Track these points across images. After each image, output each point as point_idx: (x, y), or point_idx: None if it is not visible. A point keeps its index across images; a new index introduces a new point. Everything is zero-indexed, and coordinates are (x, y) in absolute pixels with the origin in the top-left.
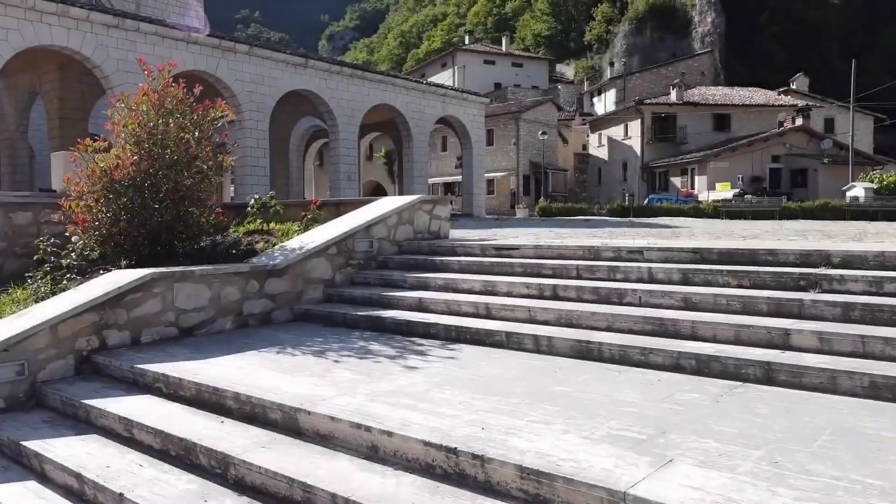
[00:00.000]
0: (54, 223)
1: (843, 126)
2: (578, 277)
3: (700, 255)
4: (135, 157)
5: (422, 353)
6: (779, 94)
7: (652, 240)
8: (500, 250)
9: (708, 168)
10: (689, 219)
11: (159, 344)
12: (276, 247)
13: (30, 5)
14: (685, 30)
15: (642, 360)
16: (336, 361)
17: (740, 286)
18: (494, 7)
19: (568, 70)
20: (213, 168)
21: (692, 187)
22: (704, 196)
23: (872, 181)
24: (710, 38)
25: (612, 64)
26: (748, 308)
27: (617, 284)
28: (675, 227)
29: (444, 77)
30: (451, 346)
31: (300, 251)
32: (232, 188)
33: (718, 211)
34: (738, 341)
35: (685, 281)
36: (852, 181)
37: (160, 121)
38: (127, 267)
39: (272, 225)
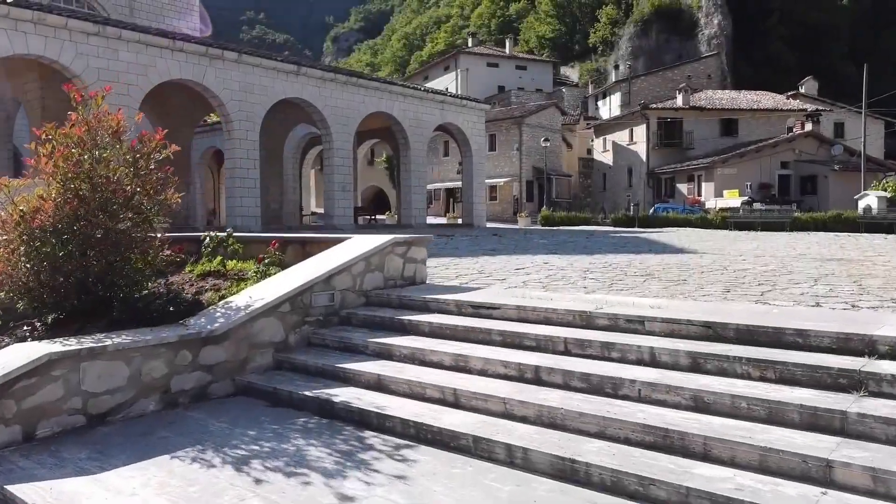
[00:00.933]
0: None
1: (853, 131)
2: (566, 353)
3: (713, 332)
4: (58, 199)
5: (367, 466)
6: (787, 98)
7: (654, 292)
8: (479, 308)
9: (715, 174)
10: (696, 230)
11: (58, 439)
12: (221, 303)
13: (3, 13)
14: (691, 32)
15: (640, 491)
16: (257, 482)
17: (763, 378)
18: (498, 9)
19: (572, 73)
20: (155, 209)
21: (699, 194)
22: (712, 203)
23: (885, 189)
24: (716, 40)
25: (616, 66)
26: (775, 416)
27: (612, 368)
28: (682, 249)
29: (447, 80)
30: (406, 454)
31: (245, 311)
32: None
33: (727, 222)
34: (763, 469)
35: (695, 367)
36: (864, 189)
37: (87, 156)
38: (51, 324)
39: (231, 263)
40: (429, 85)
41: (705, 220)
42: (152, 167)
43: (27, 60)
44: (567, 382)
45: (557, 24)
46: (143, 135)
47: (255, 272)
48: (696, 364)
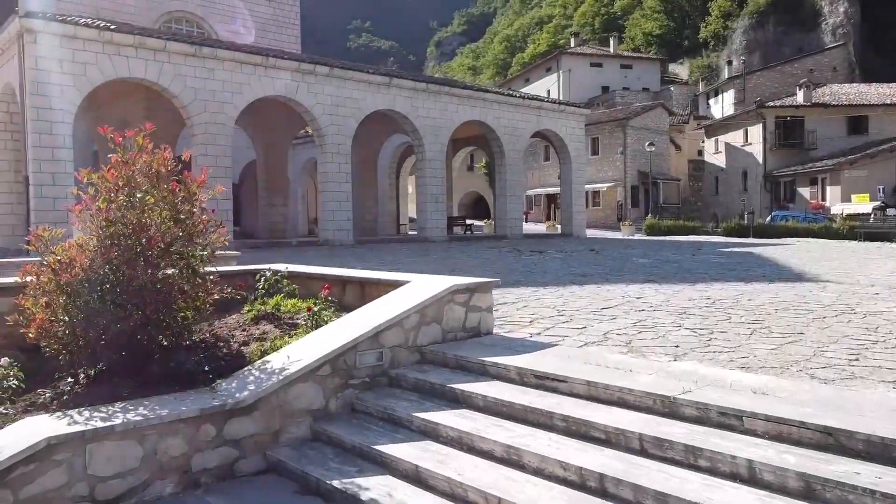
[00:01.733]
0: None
1: None
2: (642, 452)
3: (835, 441)
4: (94, 249)
5: None
6: None
7: (760, 357)
8: (543, 380)
9: (842, 177)
10: (819, 242)
11: None
12: (258, 363)
13: (107, 39)
14: (813, 22)
15: None
16: None
17: None
18: (602, 7)
19: (681, 70)
20: (199, 255)
21: (823, 199)
22: (838, 209)
23: None
24: (842, 29)
25: (730, 62)
26: None
27: (697, 485)
28: (801, 274)
29: (549, 82)
30: None
31: (280, 376)
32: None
33: (855, 231)
34: None
35: (809, 494)
36: None
37: (126, 200)
38: (93, 376)
39: (289, 303)
40: (530, 87)
41: (830, 230)
42: (195, 210)
43: (131, 82)
44: (639, 501)
45: (665, 19)
46: (186, 175)
47: (306, 320)
48: (811, 490)
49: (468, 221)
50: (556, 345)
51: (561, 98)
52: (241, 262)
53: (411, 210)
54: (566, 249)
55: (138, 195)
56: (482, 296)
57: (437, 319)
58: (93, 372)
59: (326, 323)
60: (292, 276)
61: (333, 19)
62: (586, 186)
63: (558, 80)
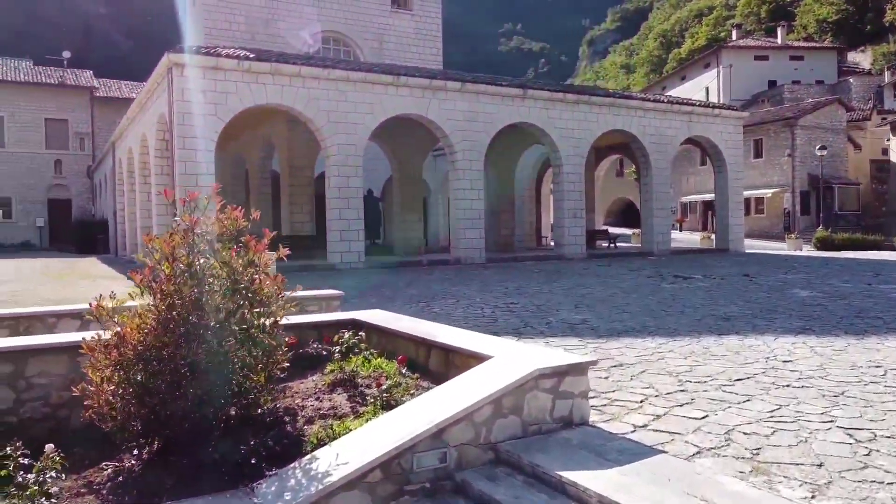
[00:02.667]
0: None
1: None
2: None
3: None
4: (147, 322)
5: None
6: None
7: None
8: None
9: None
10: None
11: None
12: (304, 461)
13: (245, 68)
14: None
15: None
16: None
17: None
18: None
19: (863, 59)
20: (264, 325)
21: None
22: None
23: None
24: None
25: None
26: None
27: None
28: None
29: (707, 78)
30: None
31: (319, 484)
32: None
33: None
34: None
35: None
36: None
37: (183, 271)
38: (146, 455)
39: (372, 364)
40: (686, 85)
41: None
42: (257, 277)
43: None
44: None
45: (843, 3)
46: (248, 241)
47: (376, 397)
48: None
49: (613, 231)
50: (659, 451)
51: (721, 96)
52: (345, 302)
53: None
54: (716, 273)
55: (197, 265)
56: (575, 379)
57: (516, 410)
58: (155, 446)
59: (397, 404)
60: (378, 331)
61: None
62: (748, 192)
63: (718, 76)
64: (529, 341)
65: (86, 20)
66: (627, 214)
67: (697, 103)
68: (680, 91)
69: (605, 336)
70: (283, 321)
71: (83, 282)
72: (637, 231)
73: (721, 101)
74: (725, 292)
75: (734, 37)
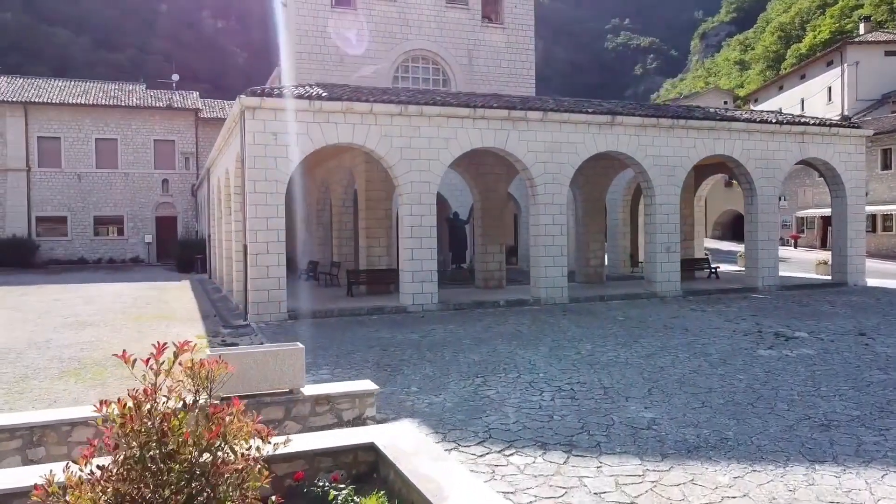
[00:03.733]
0: None
1: None
2: None
3: None
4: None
5: None
6: None
7: None
8: None
9: None
10: None
11: None
12: None
13: (316, 108)
14: None
15: None
16: None
17: None
18: None
19: None
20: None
21: None
22: None
23: None
24: None
25: None
26: None
27: None
28: None
29: (829, 77)
30: None
31: None
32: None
33: None
34: None
35: None
36: None
37: (136, 456)
38: None
39: None
40: (805, 85)
41: None
42: (222, 454)
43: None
44: None
45: None
46: (214, 411)
47: None
48: None
49: (718, 247)
50: None
51: (845, 98)
52: (391, 384)
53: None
54: (827, 328)
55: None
56: None
57: None
58: None
59: None
60: (393, 468)
61: (590, 19)
62: (872, 208)
63: (841, 74)
64: (580, 464)
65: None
66: (738, 227)
67: (812, 121)
68: (800, 91)
69: (672, 455)
70: (287, 449)
71: (159, 326)
72: (742, 254)
73: (845, 103)
74: (832, 368)
75: (862, 30)
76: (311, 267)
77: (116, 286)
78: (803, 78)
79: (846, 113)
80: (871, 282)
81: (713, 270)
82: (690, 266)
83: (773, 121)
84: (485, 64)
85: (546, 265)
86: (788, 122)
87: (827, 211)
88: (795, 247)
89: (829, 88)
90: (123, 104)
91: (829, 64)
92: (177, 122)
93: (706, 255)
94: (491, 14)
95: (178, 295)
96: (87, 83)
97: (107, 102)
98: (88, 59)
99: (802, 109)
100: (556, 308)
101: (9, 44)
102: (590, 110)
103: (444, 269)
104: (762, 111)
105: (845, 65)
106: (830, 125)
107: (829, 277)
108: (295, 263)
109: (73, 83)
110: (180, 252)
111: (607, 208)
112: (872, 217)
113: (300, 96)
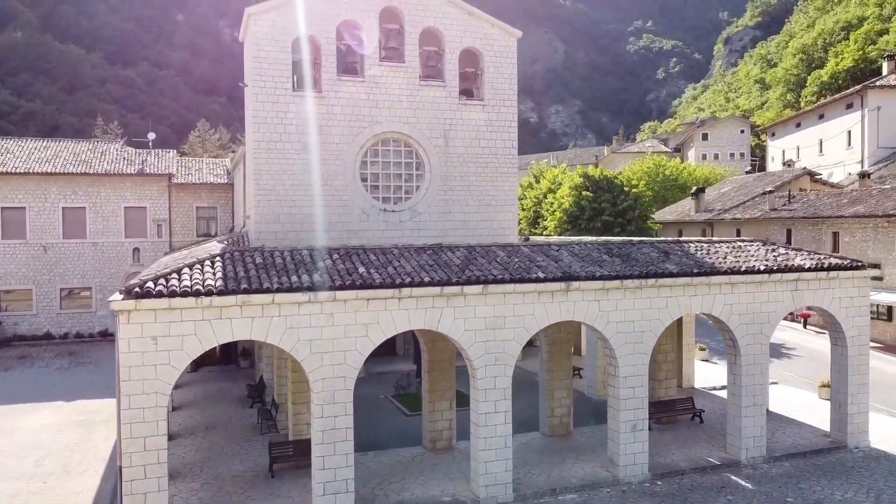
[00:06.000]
0: None
1: None
2: None
3: None
4: None
5: None
6: None
7: None
8: None
9: None
10: None
11: None
12: None
13: (206, 304)
14: None
15: None
16: None
17: None
18: None
19: None
20: None
21: None
22: None
23: None
24: None
25: None
26: None
27: None
28: None
29: (850, 121)
30: None
31: None
32: None
33: None
34: None
35: None
36: None
37: None
38: None
39: None
40: (823, 125)
41: None
42: None
43: None
44: None
45: None
46: None
47: None
48: None
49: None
50: None
51: (866, 143)
52: None
53: None
54: None
55: None
56: None
57: None
58: None
59: None
60: None
61: (612, 21)
62: (890, 297)
63: (861, 119)
64: None
65: (222, 43)
66: None
67: (806, 266)
68: (818, 131)
69: None
70: None
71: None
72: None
73: (865, 149)
74: None
75: (884, 70)
76: None
77: (41, 417)
78: (822, 118)
79: (866, 160)
80: (877, 432)
81: (697, 414)
82: (671, 409)
83: (762, 268)
84: (462, 144)
85: (486, 460)
86: (779, 270)
87: None
88: (805, 326)
89: (849, 133)
90: (92, 171)
91: (849, 107)
92: (149, 188)
93: (689, 396)
94: (471, 88)
95: (104, 442)
96: (59, 143)
97: (75, 170)
98: (99, 76)
99: (821, 152)
100: None
101: (18, 63)
102: (541, 276)
103: (409, 384)
104: (748, 252)
105: (866, 110)
106: (830, 268)
107: (829, 433)
108: None
109: (43, 143)
110: None
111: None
112: (888, 310)
113: (186, 293)
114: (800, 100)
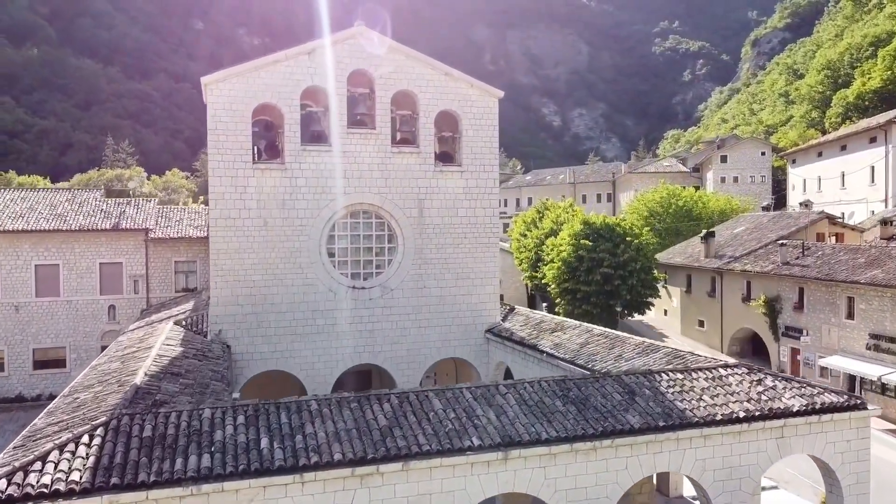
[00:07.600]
0: None
1: None
2: None
3: None
4: None
5: None
6: None
7: None
8: None
9: None
10: None
11: None
12: None
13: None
14: None
15: None
16: None
17: None
18: None
19: None
20: None
21: None
22: None
23: None
24: None
25: None
26: None
27: None
28: None
29: (873, 156)
30: None
31: None
32: None
33: None
34: None
35: None
36: None
37: None
38: None
39: None
40: (845, 158)
41: None
42: None
43: None
44: None
45: None
46: None
47: None
48: None
49: None
50: None
51: (890, 180)
52: None
53: None
54: None
55: None
56: None
57: None
58: None
59: None
60: None
61: (638, 22)
62: None
63: (886, 155)
64: None
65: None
66: (756, 343)
67: (794, 409)
68: (839, 164)
69: None
70: None
71: None
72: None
73: (889, 189)
74: None
75: None
76: None
77: None
78: (844, 149)
79: (890, 199)
80: None
81: None
82: None
83: (742, 416)
84: (438, 213)
85: None
86: (762, 417)
87: (855, 366)
88: None
89: (873, 168)
90: (66, 227)
91: (873, 140)
92: (125, 243)
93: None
94: (449, 152)
95: None
96: (37, 193)
97: (48, 226)
98: (115, 91)
99: (843, 186)
100: None
101: (33, 81)
102: (475, 443)
103: None
104: (729, 387)
105: (890, 146)
106: (822, 410)
107: None
108: None
109: (21, 194)
110: None
111: None
112: None
113: (41, 495)
114: (824, 120)
